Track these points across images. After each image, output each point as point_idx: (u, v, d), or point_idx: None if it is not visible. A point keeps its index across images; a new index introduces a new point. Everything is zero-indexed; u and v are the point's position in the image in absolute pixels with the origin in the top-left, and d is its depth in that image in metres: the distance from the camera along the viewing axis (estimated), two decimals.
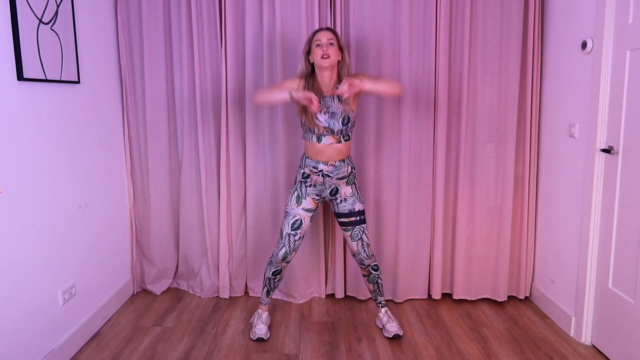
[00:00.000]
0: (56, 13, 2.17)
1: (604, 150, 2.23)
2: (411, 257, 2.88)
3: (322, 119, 2.28)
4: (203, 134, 2.83)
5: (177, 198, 2.99)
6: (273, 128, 2.80)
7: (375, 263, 2.49)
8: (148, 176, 2.92)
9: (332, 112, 2.28)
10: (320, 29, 2.30)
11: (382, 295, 2.56)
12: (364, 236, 2.43)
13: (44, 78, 2.08)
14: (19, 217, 1.94)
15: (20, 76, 1.91)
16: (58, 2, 2.18)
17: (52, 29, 2.13)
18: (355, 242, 2.43)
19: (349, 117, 2.29)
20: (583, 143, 2.41)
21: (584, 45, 2.34)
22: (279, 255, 2.41)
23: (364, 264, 2.48)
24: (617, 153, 2.18)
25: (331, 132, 2.29)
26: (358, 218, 2.42)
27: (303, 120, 2.33)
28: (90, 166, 2.50)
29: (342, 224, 2.45)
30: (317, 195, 2.41)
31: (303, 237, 2.43)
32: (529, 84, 2.73)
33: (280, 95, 2.25)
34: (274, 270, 2.45)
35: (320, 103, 2.24)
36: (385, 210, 2.85)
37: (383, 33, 2.69)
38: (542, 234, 2.83)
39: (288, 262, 2.45)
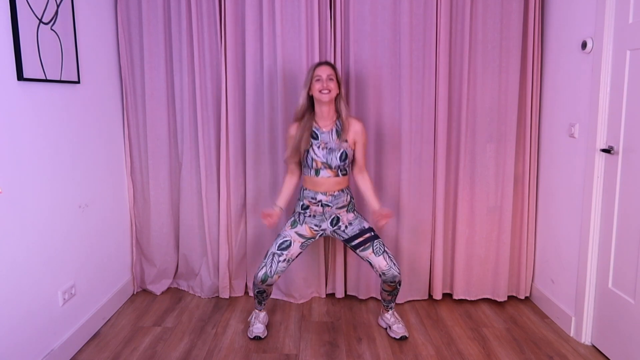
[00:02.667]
0: (56, 13, 2.17)
1: (604, 150, 2.23)
2: (411, 258, 2.88)
3: (320, 155, 2.31)
4: (203, 134, 2.83)
5: (177, 198, 2.99)
6: (273, 128, 2.80)
7: (401, 277, 2.42)
8: (148, 176, 2.92)
9: (330, 148, 2.31)
10: (320, 64, 2.32)
11: (394, 302, 2.55)
12: (387, 249, 2.36)
13: (44, 78, 2.08)
14: (19, 217, 1.94)
15: (20, 76, 1.91)
16: (58, 2, 2.18)
17: (52, 29, 2.13)
18: (381, 256, 2.32)
19: (346, 154, 2.33)
20: (583, 143, 2.41)
21: (583, 45, 2.34)
22: (259, 276, 2.32)
23: (394, 281, 2.35)
24: (617, 153, 2.18)
25: (329, 167, 2.31)
26: (372, 233, 2.37)
27: (298, 158, 2.37)
28: (90, 166, 2.50)
29: (358, 245, 2.36)
30: (315, 225, 2.39)
31: (289, 261, 2.34)
32: (529, 84, 2.73)
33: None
34: (257, 290, 2.41)
35: (278, 215, 2.42)
36: None
37: (383, 33, 2.69)
38: (542, 234, 2.83)
39: (269, 285, 2.35)
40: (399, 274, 2.35)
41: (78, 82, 2.35)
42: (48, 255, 2.14)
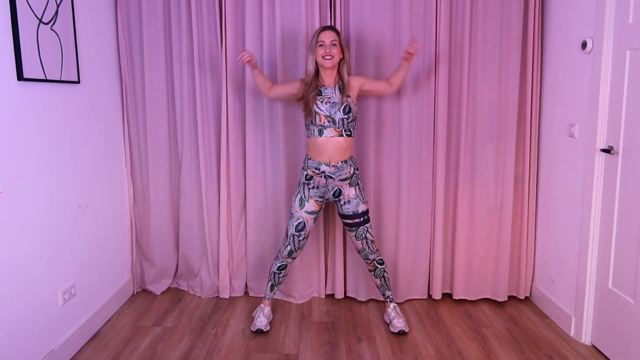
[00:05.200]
0: (56, 13, 2.17)
1: (604, 150, 2.23)
2: (411, 257, 2.88)
3: (324, 109, 2.35)
4: (203, 134, 2.83)
5: (177, 198, 2.99)
6: (273, 128, 2.80)
7: (380, 257, 2.57)
8: (148, 176, 2.92)
9: (333, 102, 2.36)
10: (324, 28, 2.36)
11: (389, 289, 2.63)
12: (368, 235, 2.50)
13: (44, 78, 2.08)
14: (19, 217, 1.94)
15: (20, 76, 1.91)
16: (58, 2, 2.18)
17: (52, 29, 2.13)
18: (360, 241, 2.52)
19: (349, 107, 2.36)
20: (583, 143, 2.41)
21: (584, 45, 2.34)
22: (285, 251, 2.51)
23: (369, 259, 2.55)
24: (617, 153, 2.18)
25: (332, 122, 2.34)
26: (362, 219, 2.48)
27: (306, 117, 2.40)
28: (90, 166, 2.50)
29: (346, 224, 2.52)
30: (320, 197, 2.47)
31: (308, 236, 2.53)
32: (529, 84, 2.73)
33: (255, 78, 2.48)
34: (279, 264, 2.54)
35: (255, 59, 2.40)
36: (385, 210, 2.85)
37: (383, 33, 2.69)
38: (542, 234, 2.83)
39: (294, 258, 2.55)
40: (373, 253, 2.53)
41: (78, 82, 2.35)
42: (48, 255, 2.14)
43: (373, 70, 2.72)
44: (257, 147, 2.84)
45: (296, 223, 2.47)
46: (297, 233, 2.47)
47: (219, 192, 2.88)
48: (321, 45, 2.32)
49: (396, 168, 2.80)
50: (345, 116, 2.36)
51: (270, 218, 2.90)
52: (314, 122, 2.37)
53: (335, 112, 2.35)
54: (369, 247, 2.51)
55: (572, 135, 2.49)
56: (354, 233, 2.50)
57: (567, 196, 2.55)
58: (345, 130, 2.38)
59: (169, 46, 2.82)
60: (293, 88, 2.47)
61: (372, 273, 2.60)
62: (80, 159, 2.40)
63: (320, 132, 2.36)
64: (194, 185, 2.92)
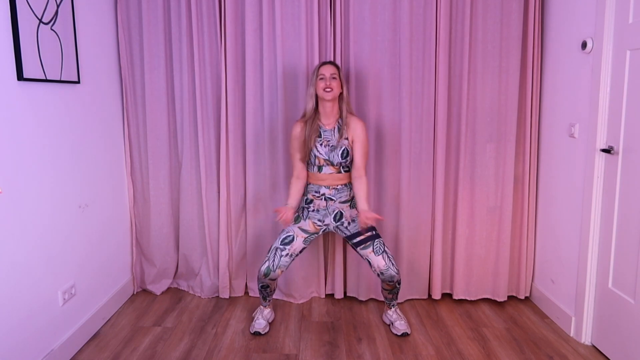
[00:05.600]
0: (56, 13, 2.17)
1: (604, 150, 2.23)
2: (411, 257, 2.88)
3: (322, 152, 2.39)
4: (203, 134, 2.83)
5: (177, 198, 2.99)
6: (273, 128, 2.80)
7: (400, 278, 2.43)
8: (148, 176, 2.92)
9: (332, 146, 2.39)
10: (324, 63, 2.40)
11: (396, 299, 2.57)
12: (386, 249, 2.39)
13: (44, 78, 2.08)
14: (19, 217, 1.94)
15: (20, 76, 1.91)
16: (58, 2, 2.18)
17: (52, 29, 2.13)
18: (380, 256, 2.35)
19: (347, 151, 2.39)
20: (583, 143, 2.41)
21: (584, 45, 2.34)
22: (262, 270, 2.37)
23: (392, 281, 2.38)
24: (617, 153, 2.18)
25: (331, 164, 2.39)
26: (374, 232, 2.40)
27: (303, 159, 2.42)
28: (90, 166, 2.50)
29: (359, 243, 2.40)
30: (319, 220, 2.44)
31: (293, 256, 2.38)
32: (529, 84, 2.73)
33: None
34: (260, 285, 2.45)
35: (293, 214, 2.41)
36: (385, 210, 2.85)
37: (383, 33, 2.69)
38: (542, 234, 2.83)
39: (272, 279, 2.38)
40: (397, 274, 2.38)
41: (78, 82, 2.35)
42: (48, 255, 2.14)
43: (373, 70, 2.72)
44: (257, 147, 2.84)
45: (284, 236, 2.39)
46: (281, 246, 2.36)
47: (219, 192, 2.88)
48: (321, 78, 2.35)
49: (396, 168, 2.80)
50: (343, 160, 2.39)
51: (270, 218, 2.90)
52: (312, 162, 2.41)
53: (333, 156, 2.37)
54: (392, 265, 2.35)
55: (572, 135, 2.49)
56: (370, 249, 2.35)
57: (567, 196, 2.55)
58: (342, 168, 2.42)
59: (169, 46, 2.82)
60: (297, 142, 2.42)
61: (387, 291, 2.48)
62: (80, 159, 2.40)
63: (320, 169, 2.41)
64: (194, 185, 2.92)
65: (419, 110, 2.75)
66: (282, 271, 2.36)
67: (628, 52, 2.10)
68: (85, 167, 2.45)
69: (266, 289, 2.46)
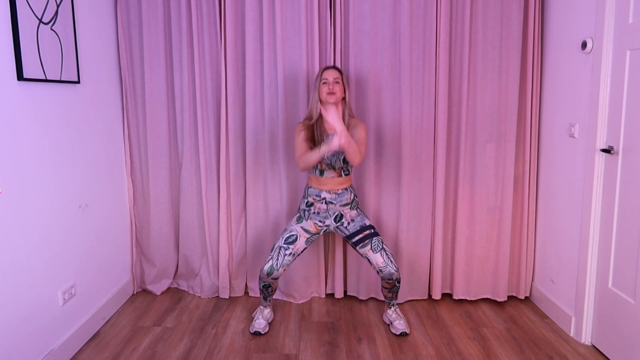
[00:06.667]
0: (56, 13, 2.17)
1: (604, 150, 2.23)
2: (411, 258, 2.88)
3: (325, 157, 2.38)
4: (203, 134, 2.83)
5: (177, 198, 2.99)
6: (273, 128, 2.80)
7: (399, 276, 2.45)
8: (148, 176, 2.92)
9: (334, 151, 2.35)
10: (327, 68, 2.41)
11: (396, 299, 2.59)
12: (385, 246, 2.42)
13: (44, 78, 2.08)
14: (19, 217, 1.94)
15: (20, 76, 1.91)
16: (58, 2, 2.18)
17: (52, 29, 2.13)
18: (379, 253, 2.38)
19: None
20: (583, 143, 2.41)
21: (584, 45, 2.34)
22: (265, 269, 2.38)
23: (392, 278, 2.41)
24: (617, 153, 2.18)
25: (332, 168, 2.40)
26: (372, 230, 2.44)
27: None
28: (90, 166, 2.50)
29: (358, 242, 2.43)
30: (320, 221, 2.47)
31: (295, 255, 2.40)
32: (529, 83, 2.73)
33: (316, 155, 2.26)
34: (262, 284, 2.47)
35: (325, 138, 2.33)
36: (385, 210, 2.85)
37: (383, 33, 2.69)
38: (542, 234, 2.83)
39: (275, 278, 2.40)
40: (396, 271, 2.39)
41: (78, 82, 2.35)
42: (48, 255, 2.14)
43: (373, 70, 2.72)
44: (257, 147, 2.84)
45: (287, 235, 2.42)
46: (285, 245, 2.39)
47: (219, 192, 2.88)
48: (324, 82, 2.37)
49: (396, 168, 2.80)
50: (345, 165, 2.40)
51: (270, 218, 2.90)
52: (314, 166, 2.40)
53: (335, 161, 2.38)
54: (391, 262, 2.37)
55: (572, 135, 2.49)
56: (369, 246, 2.39)
57: (567, 196, 2.55)
58: (344, 172, 2.44)
59: (169, 46, 2.82)
60: (302, 140, 2.39)
61: (387, 290, 2.50)
62: (80, 159, 2.40)
63: (321, 173, 2.43)
64: (194, 185, 2.92)
65: (419, 110, 2.75)
66: (284, 269, 2.39)
67: (628, 52, 2.10)
68: (85, 167, 2.45)
69: (268, 288, 2.47)
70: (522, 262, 2.88)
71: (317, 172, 2.43)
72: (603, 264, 2.30)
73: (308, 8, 2.68)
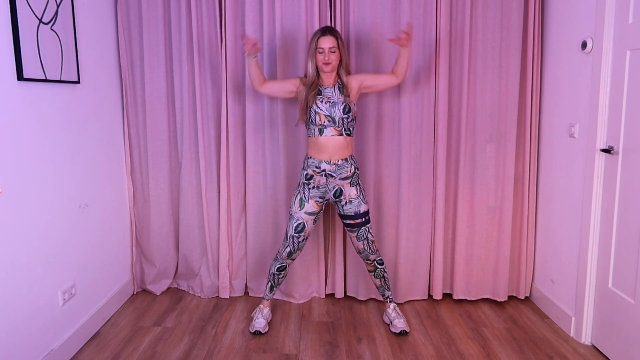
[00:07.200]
0: (56, 13, 2.17)
1: (604, 150, 2.23)
2: (411, 258, 2.88)
3: (323, 108, 2.36)
4: (203, 134, 2.83)
5: (177, 198, 2.99)
6: (273, 128, 2.80)
7: (380, 257, 2.57)
8: (148, 176, 2.92)
9: (333, 102, 2.37)
10: (323, 33, 2.35)
11: (389, 289, 2.64)
12: (369, 235, 2.50)
13: (44, 78, 2.08)
14: (19, 217, 1.94)
15: (20, 76, 1.91)
16: (58, 2, 2.18)
17: (52, 29, 2.13)
18: (361, 242, 2.51)
19: (349, 107, 2.37)
20: (583, 143, 2.41)
21: (584, 45, 2.35)
22: (284, 253, 2.51)
23: (369, 260, 2.55)
24: (617, 153, 2.18)
25: (332, 121, 2.35)
26: (363, 219, 2.48)
27: (306, 116, 2.39)
28: (90, 166, 2.50)
29: (347, 225, 2.51)
30: (320, 197, 2.46)
31: (307, 237, 2.52)
32: (529, 84, 2.73)
33: (251, 69, 2.40)
34: (278, 266, 2.53)
35: (256, 45, 2.35)
36: (385, 210, 2.85)
37: (383, 33, 2.69)
38: (542, 234, 2.83)
39: (293, 259, 2.55)
40: (373, 254, 2.53)
41: (78, 82, 2.35)
42: (48, 255, 2.14)
43: (372, 71, 2.72)
44: (257, 147, 2.84)
45: (295, 224, 2.46)
46: (296, 234, 2.46)
47: (219, 192, 2.88)
48: (320, 52, 2.33)
49: (396, 168, 2.80)
50: (345, 116, 2.36)
51: (270, 218, 2.90)
52: (313, 121, 2.37)
53: (334, 112, 2.35)
54: (369, 248, 2.51)
55: (572, 135, 2.49)
56: (355, 234, 2.49)
57: (567, 196, 2.55)
58: (345, 130, 2.38)
59: (169, 46, 2.82)
60: (292, 85, 2.45)
61: (372, 274, 2.60)
62: (80, 159, 2.40)
63: (321, 132, 2.37)
64: (194, 185, 2.92)
65: (419, 110, 2.75)
66: (301, 251, 2.56)
67: (628, 52, 2.10)
68: (85, 167, 2.45)
69: (282, 271, 2.55)
70: (522, 262, 2.88)
71: (317, 130, 2.38)
72: (603, 264, 2.30)
73: (308, 7, 2.68)
